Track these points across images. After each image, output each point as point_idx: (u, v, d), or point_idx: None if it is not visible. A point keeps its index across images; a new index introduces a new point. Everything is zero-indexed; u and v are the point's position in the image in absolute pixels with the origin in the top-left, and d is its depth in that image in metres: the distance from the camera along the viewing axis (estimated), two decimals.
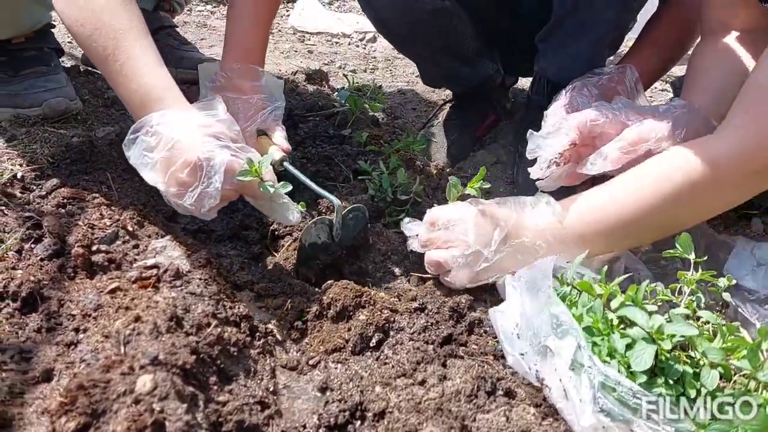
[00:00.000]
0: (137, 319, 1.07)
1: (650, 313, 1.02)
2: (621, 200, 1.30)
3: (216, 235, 1.59)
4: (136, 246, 1.36)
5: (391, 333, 1.24)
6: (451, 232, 1.36)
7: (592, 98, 1.55)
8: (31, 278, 1.19)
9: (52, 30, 2.01)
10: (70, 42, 2.92)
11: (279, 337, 1.27)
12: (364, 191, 1.71)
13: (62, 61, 2.03)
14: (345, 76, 2.45)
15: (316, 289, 1.38)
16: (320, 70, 2.65)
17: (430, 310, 1.28)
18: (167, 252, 1.31)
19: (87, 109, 1.95)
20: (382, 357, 1.20)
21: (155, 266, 1.26)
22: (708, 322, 1.08)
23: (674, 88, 2.13)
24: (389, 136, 2.06)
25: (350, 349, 1.23)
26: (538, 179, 1.47)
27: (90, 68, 2.39)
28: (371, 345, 1.23)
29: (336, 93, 2.40)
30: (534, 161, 1.48)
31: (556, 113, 1.55)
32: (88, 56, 1.41)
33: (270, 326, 1.28)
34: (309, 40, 3.69)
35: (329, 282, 1.35)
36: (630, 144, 1.36)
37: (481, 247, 1.32)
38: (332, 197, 1.39)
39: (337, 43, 3.64)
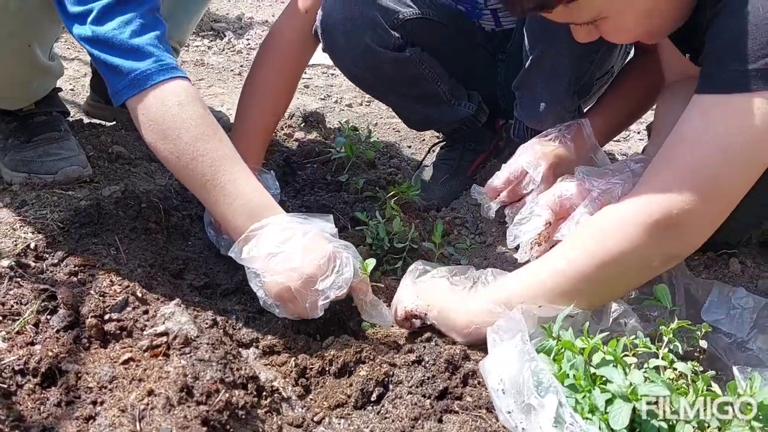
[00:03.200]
0: (150, 392, 1.15)
1: (629, 366, 1.10)
2: (543, 282, 1.34)
3: (222, 289, 1.67)
4: (146, 311, 1.43)
5: (391, 386, 1.31)
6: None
7: (541, 166, 1.67)
8: (50, 353, 1.26)
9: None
10: (72, 89, 3.02)
11: (284, 394, 1.34)
12: (362, 240, 1.79)
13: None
14: (340, 123, 2.53)
15: (319, 345, 1.45)
16: (316, 112, 2.74)
17: (427, 362, 1.34)
18: (176, 317, 1.38)
19: (92, 164, 2.02)
20: (382, 411, 1.27)
21: (165, 333, 1.33)
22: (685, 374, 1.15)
23: (649, 132, 2.19)
24: (385, 180, 2.13)
25: (352, 404, 1.30)
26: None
27: (93, 120, 2.48)
28: (372, 399, 1.30)
29: (333, 137, 2.49)
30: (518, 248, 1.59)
31: (500, 178, 1.71)
32: (183, 181, 1.53)
33: (275, 384, 1.35)
34: (304, 73, 3.75)
35: (330, 338, 1.44)
36: (596, 209, 1.44)
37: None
38: None
39: (332, 75, 3.71)
